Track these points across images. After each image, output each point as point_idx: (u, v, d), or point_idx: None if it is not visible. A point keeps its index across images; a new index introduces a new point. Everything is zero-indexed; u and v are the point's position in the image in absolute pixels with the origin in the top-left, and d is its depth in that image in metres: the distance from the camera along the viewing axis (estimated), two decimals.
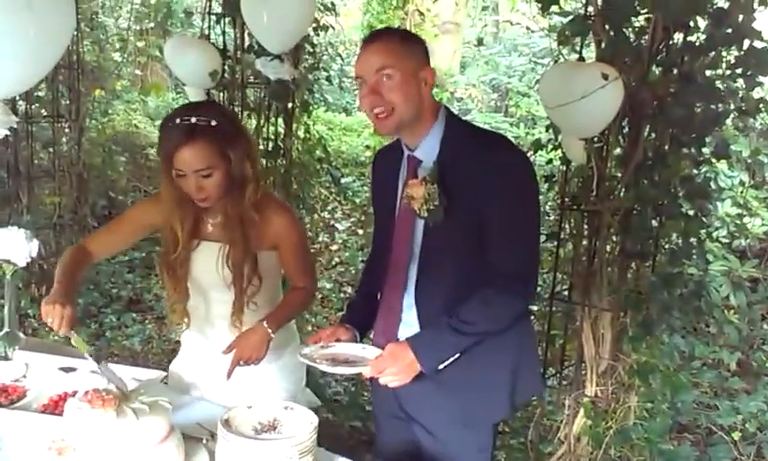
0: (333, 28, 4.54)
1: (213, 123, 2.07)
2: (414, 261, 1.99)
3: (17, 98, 3.83)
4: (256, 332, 2.18)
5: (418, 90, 1.90)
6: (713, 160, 2.87)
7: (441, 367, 1.92)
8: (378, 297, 2.14)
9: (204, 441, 1.88)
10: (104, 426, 1.65)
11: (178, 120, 2.07)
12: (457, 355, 1.91)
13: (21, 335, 2.50)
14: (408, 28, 8.14)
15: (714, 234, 3.89)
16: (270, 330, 2.18)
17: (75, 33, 3.98)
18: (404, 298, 2.02)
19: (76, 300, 2.12)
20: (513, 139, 8.85)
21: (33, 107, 4.21)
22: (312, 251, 5.90)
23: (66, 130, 4.36)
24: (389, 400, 2.15)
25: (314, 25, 3.93)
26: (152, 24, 8.20)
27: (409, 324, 2.02)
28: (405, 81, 1.88)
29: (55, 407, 2.05)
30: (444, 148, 1.93)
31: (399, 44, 1.91)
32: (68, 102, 4.32)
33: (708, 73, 2.69)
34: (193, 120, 2.05)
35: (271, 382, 2.33)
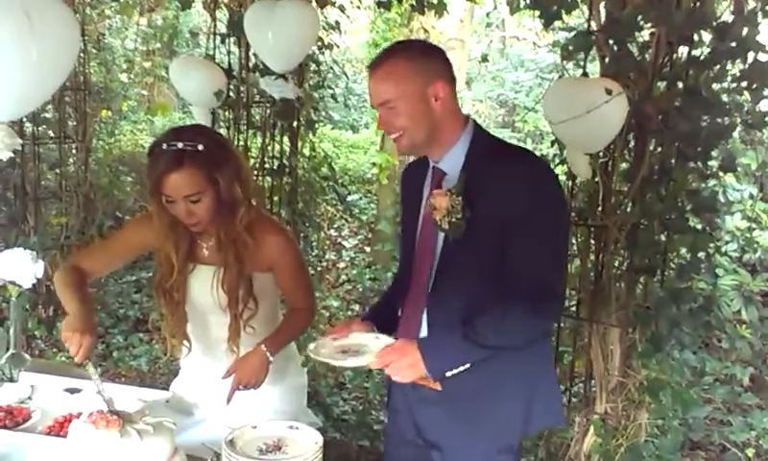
0: (338, 46, 4.56)
1: (200, 147, 2.05)
2: (431, 278, 1.96)
3: (24, 119, 3.85)
4: (255, 356, 2.17)
5: (427, 109, 1.87)
6: (720, 174, 2.85)
7: (449, 374, 1.87)
8: (399, 312, 2.10)
9: None
10: (108, 448, 1.64)
11: (164, 146, 2.05)
12: (467, 366, 1.86)
13: (27, 357, 2.51)
14: None
15: (724, 249, 3.86)
16: (269, 354, 2.16)
17: (82, 54, 4.02)
18: (424, 313, 1.98)
19: (95, 324, 2.09)
20: None
21: (40, 128, 4.23)
22: (319, 269, 5.93)
23: (73, 150, 4.39)
24: (407, 427, 2.11)
25: (319, 44, 3.95)
26: (158, 45, 8.26)
27: None
28: (410, 106, 1.86)
29: (60, 429, 2.04)
30: (468, 160, 1.92)
31: (403, 67, 1.87)
32: (75, 123, 4.35)
33: (713, 86, 2.68)
34: (180, 145, 2.03)
35: (272, 405, 2.31)
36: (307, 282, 2.39)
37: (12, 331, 2.49)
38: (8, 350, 2.46)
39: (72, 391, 2.25)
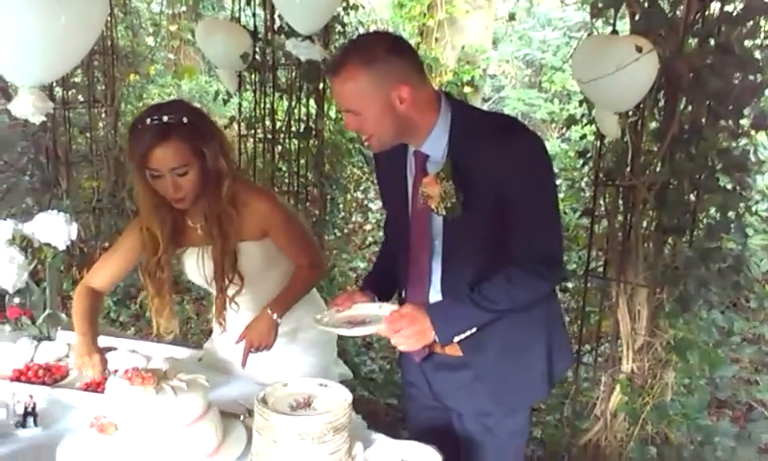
0: (363, 7, 4.53)
1: (185, 120, 2.05)
2: (436, 256, 1.95)
3: (54, 84, 3.90)
4: (263, 320, 2.21)
5: (391, 113, 1.81)
6: (752, 132, 2.81)
7: (456, 339, 1.90)
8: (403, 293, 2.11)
9: (242, 418, 1.91)
10: (144, 404, 1.69)
11: (148, 121, 2.03)
12: (474, 330, 1.89)
13: (63, 316, 2.57)
14: (438, 5, 8.06)
15: (754, 208, 3.81)
16: (275, 316, 2.20)
17: (109, 19, 4.03)
18: (430, 293, 1.99)
19: (97, 346, 2.19)
20: (547, 115, 8.70)
21: (69, 93, 4.28)
22: (345, 231, 5.95)
23: (103, 115, 4.44)
24: (424, 394, 2.15)
25: (344, 4, 3.93)
26: (184, 8, 8.24)
27: None
28: (374, 113, 1.81)
29: (97, 386, 2.10)
30: (453, 140, 1.87)
31: (362, 76, 1.78)
32: (104, 87, 4.39)
33: (745, 43, 2.62)
34: (165, 119, 2.03)
35: (297, 359, 2.37)
36: (305, 239, 2.38)
37: (48, 292, 2.56)
38: (45, 310, 2.53)
39: (107, 349, 2.31)
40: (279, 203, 2.35)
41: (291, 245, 2.31)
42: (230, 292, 2.24)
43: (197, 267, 2.26)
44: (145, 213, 2.19)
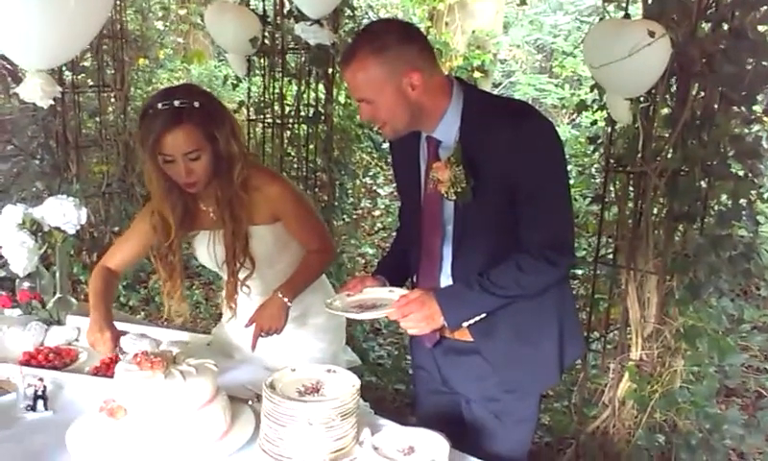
0: None
1: (196, 104, 2.05)
2: (447, 242, 1.96)
3: (63, 68, 3.90)
4: (273, 303, 2.21)
5: (403, 100, 1.82)
6: (765, 118, 2.78)
7: (465, 325, 1.90)
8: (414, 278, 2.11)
9: (250, 402, 1.92)
10: (153, 388, 1.69)
11: (159, 105, 2.03)
12: (483, 315, 1.89)
13: (73, 300, 2.59)
14: None
15: (766, 195, 3.78)
16: (286, 300, 2.20)
17: (118, 2, 4.02)
18: (440, 279, 1.99)
19: (112, 320, 2.21)
20: (557, 101, 8.65)
21: (79, 77, 4.27)
22: (354, 216, 5.94)
23: (112, 99, 4.43)
24: (433, 378, 2.15)
25: None
26: None
27: None
28: (386, 101, 1.82)
29: (106, 370, 2.11)
30: (464, 126, 1.87)
31: (373, 64, 1.79)
32: (113, 71, 4.38)
33: (759, 28, 2.59)
34: (176, 104, 2.02)
35: (307, 344, 2.37)
36: (315, 224, 2.39)
37: (58, 276, 2.57)
38: (55, 294, 2.55)
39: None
40: (291, 187, 2.36)
41: (302, 230, 2.31)
42: (241, 276, 2.25)
43: (208, 251, 2.27)
44: (156, 198, 2.19)
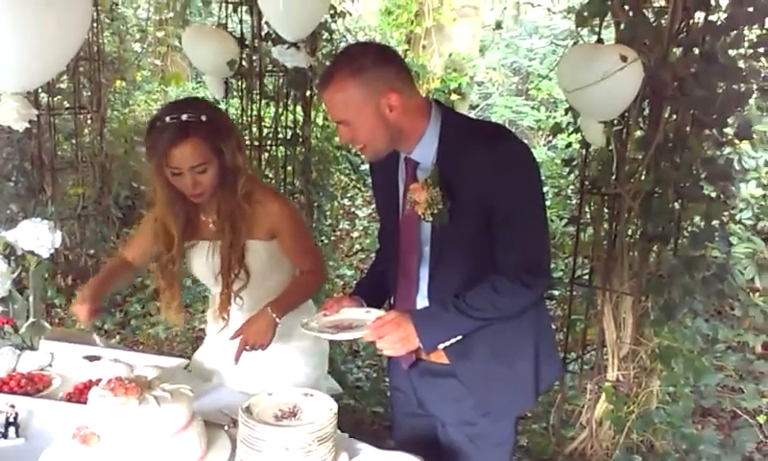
0: (351, 14, 4.54)
1: (204, 118, 2.07)
2: (424, 263, 1.96)
3: (39, 90, 3.88)
4: (262, 318, 2.19)
5: (382, 121, 1.82)
6: (736, 141, 2.83)
7: (441, 347, 1.90)
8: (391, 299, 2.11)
9: (226, 427, 1.90)
10: (126, 414, 1.67)
11: (167, 119, 2.06)
12: (459, 337, 1.89)
13: (46, 325, 2.54)
14: (425, 13, 8.09)
15: (738, 216, 3.84)
16: (275, 316, 2.19)
17: (95, 24, 4.02)
18: (417, 300, 1.99)
19: (98, 296, 2.24)
20: (534, 123, 8.71)
21: (55, 99, 4.25)
22: (333, 238, 5.94)
23: (88, 121, 4.42)
24: (409, 400, 2.14)
25: (331, 12, 3.93)
26: (171, 14, 8.24)
27: None
28: (365, 123, 1.82)
29: (80, 395, 2.08)
30: (441, 147, 1.88)
31: (351, 86, 1.79)
32: (90, 93, 4.37)
33: (729, 52, 2.65)
34: (184, 117, 2.05)
35: (293, 366, 2.35)
36: (310, 245, 2.42)
37: (31, 300, 2.53)
38: (28, 318, 2.51)
39: (91, 358, 2.28)
40: (291, 206, 2.41)
41: (296, 249, 2.32)
42: (235, 287, 2.25)
43: (206, 261, 2.26)
44: (160, 207, 2.21)
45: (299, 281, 2.34)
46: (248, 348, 2.18)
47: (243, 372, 2.24)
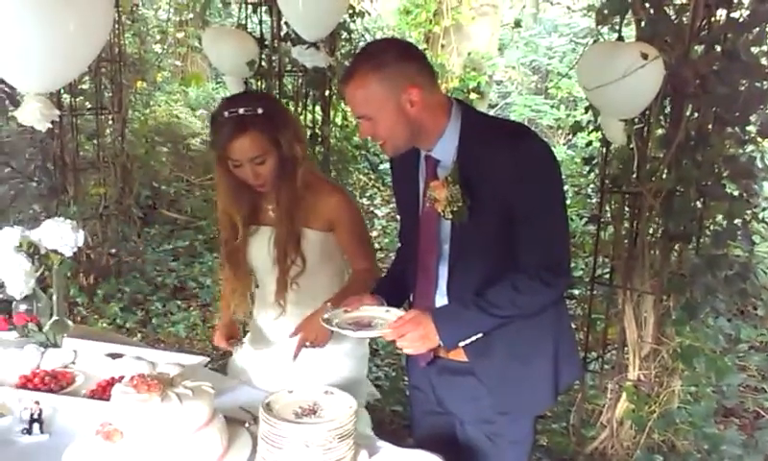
0: (369, 13, 4.54)
1: (260, 111, 2.14)
2: (443, 260, 1.96)
3: (62, 91, 3.92)
4: (321, 315, 2.20)
5: (402, 117, 1.82)
6: (759, 139, 2.80)
7: (461, 345, 1.90)
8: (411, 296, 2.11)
9: (247, 425, 1.91)
10: (149, 411, 1.68)
11: (226, 113, 2.14)
12: (479, 335, 1.89)
13: (69, 323, 2.57)
14: (444, 12, 8.08)
15: (761, 215, 3.79)
16: None
17: (116, 26, 4.06)
18: (436, 297, 1.99)
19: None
20: (553, 121, 8.68)
21: (77, 99, 4.30)
22: None
23: (110, 121, 4.46)
24: (428, 399, 2.14)
25: (350, 11, 3.94)
26: (191, 15, 8.28)
27: None
28: (386, 118, 1.83)
29: (103, 392, 2.10)
30: (462, 145, 1.88)
31: (373, 81, 1.80)
32: (111, 94, 4.41)
33: (752, 50, 2.62)
34: (241, 111, 2.12)
35: (336, 366, 2.35)
36: (366, 242, 2.45)
37: (54, 299, 2.56)
38: (51, 316, 2.54)
39: (114, 356, 2.31)
40: (351, 201, 2.43)
41: (353, 245, 2.35)
42: (292, 274, 2.28)
43: (266, 246, 2.29)
44: (223, 198, 2.29)
45: (356, 279, 2.35)
46: (307, 344, 2.20)
47: (283, 373, 2.25)
